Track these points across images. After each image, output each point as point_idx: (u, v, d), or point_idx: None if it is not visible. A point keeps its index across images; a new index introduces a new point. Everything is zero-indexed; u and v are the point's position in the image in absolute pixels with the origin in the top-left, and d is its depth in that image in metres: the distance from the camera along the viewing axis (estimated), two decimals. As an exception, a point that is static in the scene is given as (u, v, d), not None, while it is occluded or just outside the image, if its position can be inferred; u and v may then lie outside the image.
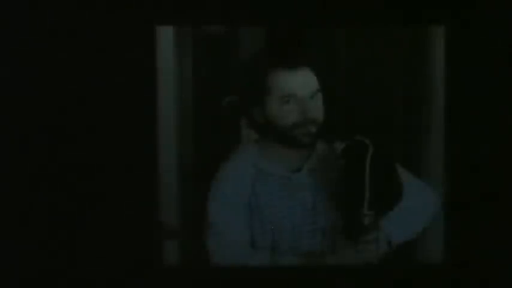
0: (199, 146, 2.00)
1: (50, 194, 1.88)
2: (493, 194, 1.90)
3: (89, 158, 1.89)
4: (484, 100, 1.90)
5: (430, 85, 1.95)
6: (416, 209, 1.90)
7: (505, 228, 1.89)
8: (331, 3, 1.89)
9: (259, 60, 1.90)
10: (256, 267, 1.88)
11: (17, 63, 1.88)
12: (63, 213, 1.89)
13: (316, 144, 1.93)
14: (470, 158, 1.90)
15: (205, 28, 1.96)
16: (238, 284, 1.91)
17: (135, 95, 1.89)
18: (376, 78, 1.98)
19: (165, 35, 1.92)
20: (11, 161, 1.89)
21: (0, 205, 1.88)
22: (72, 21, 1.87)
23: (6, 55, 1.87)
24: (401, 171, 1.90)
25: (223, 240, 1.89)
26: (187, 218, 1.98)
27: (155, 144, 1.90)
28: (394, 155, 1.96)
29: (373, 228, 1.84)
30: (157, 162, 1.91)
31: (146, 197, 1.90)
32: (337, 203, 1.89)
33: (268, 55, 1.90)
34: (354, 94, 2.00)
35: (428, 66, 1.95)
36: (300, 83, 1.85)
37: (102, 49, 1.88)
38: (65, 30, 1.87)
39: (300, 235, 1.90)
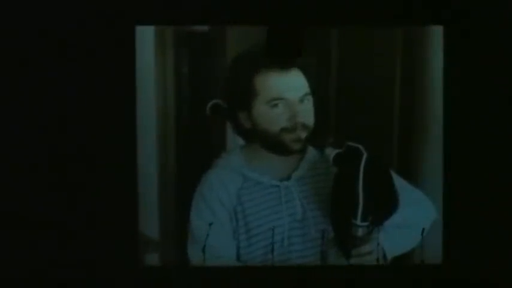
0: (182, 152, 1.94)
1: (35, 200, 1.88)
2: (492, 194, 1.90)
3: (67, 163, 1.88)
4: (483, 101, 1.90)
5: (427, 87, 1.93)
6: (413, 220, 1.87)
7: (504, 229, 1.90)
8: (327, 3, 1.88)
9: (246, 61, 1.86)
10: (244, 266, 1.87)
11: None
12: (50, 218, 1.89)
13: (306, 151, 1.89)
14: (470, 158, 1.90)
15: (188, 27, 1.91)
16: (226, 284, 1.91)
17: (114, 97, 1.87)
18: (371, 80, 1.94)
19: (146, 35, 1.89)
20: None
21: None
22: (52, 21, 1.86)
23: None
24: (397, 179, 1.85)
25: (207, 253, 1.86)
26: (168, 228, 1.93)
27: (135, 149, 1.88)
28: (390, 162, 1.93)
29: (367, 241, 1.81)
30: (136, 169, 1.88)
31: (125, 206, 1.88)
32: (328, 213, 1.84)
33: (256, 56, 1.86)
34: (347, 97, 1.95)
35: (426, 68, 1.92)
36: (290, 86, 1.82)
37: (80, 50, 1.87)
38: (44, 30, 1.86)
39: (289, 247, 1.86)
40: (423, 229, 1.88)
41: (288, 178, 1.88)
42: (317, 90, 1.85)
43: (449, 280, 1.90)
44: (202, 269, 1.86)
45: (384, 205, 1.81)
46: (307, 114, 1.83)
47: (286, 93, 1.81)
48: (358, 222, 1.77)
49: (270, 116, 1.82)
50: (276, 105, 1.81)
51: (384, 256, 1.84)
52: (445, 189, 1.89)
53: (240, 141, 1.91)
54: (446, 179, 1.89)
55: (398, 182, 1.85)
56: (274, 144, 1.84)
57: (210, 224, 1.85)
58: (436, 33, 1.90)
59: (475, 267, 1.90)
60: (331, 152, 1.80)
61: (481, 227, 1.90)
